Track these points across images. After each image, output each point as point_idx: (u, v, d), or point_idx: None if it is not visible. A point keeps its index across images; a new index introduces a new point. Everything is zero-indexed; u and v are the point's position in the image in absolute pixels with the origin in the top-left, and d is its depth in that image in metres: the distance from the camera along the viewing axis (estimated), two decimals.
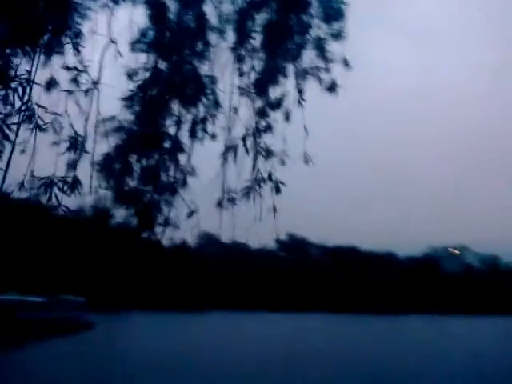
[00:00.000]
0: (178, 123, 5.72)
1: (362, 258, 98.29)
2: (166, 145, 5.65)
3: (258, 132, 5.98)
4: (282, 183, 6.19)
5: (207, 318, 62.37)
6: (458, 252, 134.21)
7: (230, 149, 5.68)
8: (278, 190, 6.14)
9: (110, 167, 5.56)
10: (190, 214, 5.60)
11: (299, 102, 6.42)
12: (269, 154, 6.12)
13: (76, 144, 5.23)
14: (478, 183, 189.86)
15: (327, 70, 6.74)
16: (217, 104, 5.94)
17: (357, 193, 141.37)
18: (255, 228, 5.94)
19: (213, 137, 5.96)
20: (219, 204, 5.88)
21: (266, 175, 6.07)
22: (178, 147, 5.70)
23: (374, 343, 32.90)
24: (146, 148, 5.64)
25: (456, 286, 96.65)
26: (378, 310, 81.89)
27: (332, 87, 6.74)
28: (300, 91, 6.63)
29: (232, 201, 5.88)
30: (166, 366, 19.34)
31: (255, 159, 6.04)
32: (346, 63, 6.72)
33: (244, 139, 5.76)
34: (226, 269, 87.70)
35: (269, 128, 6.32)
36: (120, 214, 5.94)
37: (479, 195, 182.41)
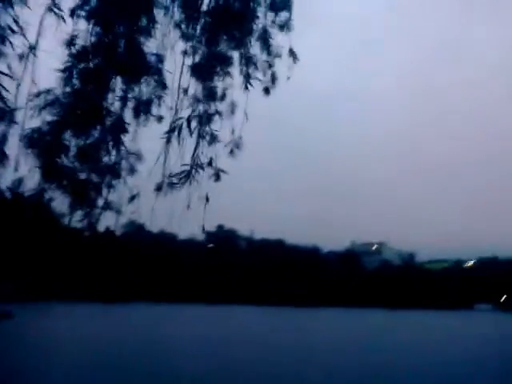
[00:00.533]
0: (122, 101, 5.40)
1: (287, 251, 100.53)
2: (107, 123, 5.29)
3: (202, 116, 5.81)
4: (223, 171, 6.05)
5: (131, 309, 60.95)
6: (377, 248, 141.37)
7: (173, 130, 5.44)
8: (217, 178, 5.99)
9: (42, 142, 5.12)
10: (131, 198, 5.31)
11: (245, 87, 6.31)
12: (212, 139, 5.97)
13: (4, 114, 4.75)
14: (403, 184, 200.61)
15: (271, 61, 6.69)
16: (163, 84, 5.68)
17: (286, 186, 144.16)
18: (186, 217, 5.76)
19: (159, 119, 5.69)
20: (158, 189, 5.63)
21: (207, 161, 5.90)
22: (119, 126, 5.37)
23: (294, 334, 33.84)
24: (83, 125, 5.26)
25: (374, 280, 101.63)
26: (301, 303, 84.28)
27: (274, 79, 6.70)
28: (246, 78, 6.52)
29: (172, 186, 5.65)
30: (82, 356, 18.74)
31: (197, 144, 5.85)
32: (292, 55, 6.70)
33: (189, 121, 5.54)
34: (150, 259, 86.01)
35: (212, 114, 6.16)
36: (48, 195, 5.50)
37: (402, 195, 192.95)
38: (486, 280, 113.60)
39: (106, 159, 5.36)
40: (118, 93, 5.34)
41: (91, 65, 5.29)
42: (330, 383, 16.06)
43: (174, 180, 5.58)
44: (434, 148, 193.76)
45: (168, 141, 5.36)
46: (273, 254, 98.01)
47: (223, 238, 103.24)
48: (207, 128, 5.72)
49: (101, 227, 5.94)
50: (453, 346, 29.47)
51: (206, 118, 5.82)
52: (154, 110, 5.56)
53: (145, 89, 5.51)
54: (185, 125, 5.47)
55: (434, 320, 63.51)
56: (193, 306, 72.41)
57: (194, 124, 5.52)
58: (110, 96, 5.33)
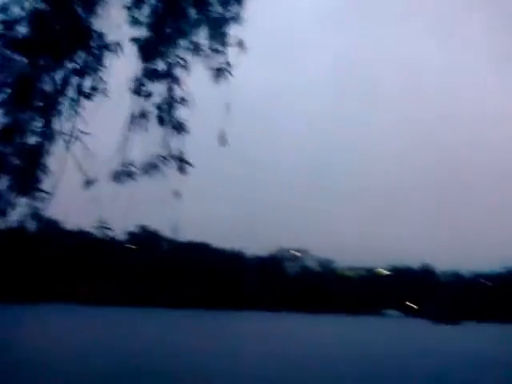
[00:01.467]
0: (63, 80, 4.89)
1: (211, 254, 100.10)
2: (39, 103, 4.76)
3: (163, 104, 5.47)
4: (189, 163, 5.69)
5: (41, 311, 57.51)
6: (299, 254, 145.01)
7: (135, 118, 5.05)
8: (182, 170, 5.63)
9: None
10: (87, 183, 4.82)
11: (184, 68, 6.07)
12: (180, 127, 5.62)
13: None
14: (323, 191, 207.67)
15: (221, 50, 6.53)
16: (99, 62, 5.24)
17: (213, 187, 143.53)
18: (116, 214, 5.38)
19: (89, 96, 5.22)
20: (115, 178, 5.17)
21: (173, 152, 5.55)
22: (51, 105, 4.85)
23: (209, 338, 33.57)
24: (11, 102, 4.69)
25: (295, 284, 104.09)
26: (224, 306, 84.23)
27: (222, 68, 6.54)
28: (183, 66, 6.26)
29: (130, 175, 5.23)
30: None
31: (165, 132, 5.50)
32: (240, 45, 6.56)
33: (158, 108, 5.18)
34: (65, 258, 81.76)
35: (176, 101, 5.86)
36: None
37: (322, 204, 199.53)
38: (396, 287, 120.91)
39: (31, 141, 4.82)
40: (55, 68, 4.84)
41: (21, 35, 4.75)
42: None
43: (134, 169, 5.19)
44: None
45: (128, 128, 4.97)
46: (196, 256, 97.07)
47: (146, 238, 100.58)
48: (172, 116, 5.41)
49: (13, 221, 5.35)
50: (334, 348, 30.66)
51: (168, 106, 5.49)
52: (94, 89, 5.11)
53: (83, 65, 5.06)
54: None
55: (343, 324, 65.72)
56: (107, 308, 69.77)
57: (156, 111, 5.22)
58: (44, 72, 4.82)
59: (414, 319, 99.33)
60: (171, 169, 5.37)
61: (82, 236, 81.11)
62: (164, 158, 5.26)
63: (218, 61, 6.41)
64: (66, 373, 15.81)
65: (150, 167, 5.11)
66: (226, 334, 38.13)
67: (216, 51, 6.44)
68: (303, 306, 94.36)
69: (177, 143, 5.45)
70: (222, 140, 5.84)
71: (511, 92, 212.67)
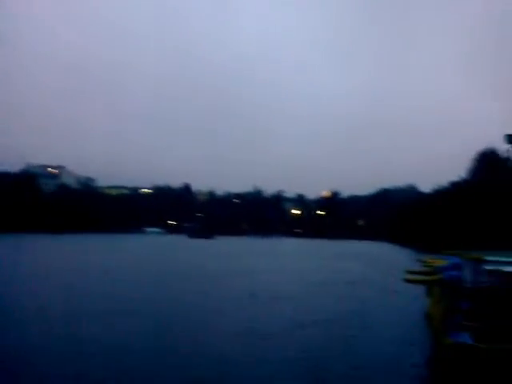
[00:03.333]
0: None
1: None
2: None
3: None
4: None
5: None
6: (55, 171, 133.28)
7: None
8: None
9: None
10: None
11: None
12: None
13: None
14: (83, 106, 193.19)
15: None
16: None
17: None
18: None
19: None
20: None
21: None
22: None
23: None
24: None
25: (52, 204, 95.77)
26: None
27: None
28: None
29: None
30: None
31: None
32: None
33: None
34: None
35: None
36: None
37: (82, 118, 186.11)
38: (159, 206, 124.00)
39: None
40: None
41: None
42: None
43: None
44: None
45: None
46: None
47: None
48: None
49: None
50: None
51: None
52: None
53: None
54: None
55: (106, 241, 64.16)
56: None
57: None
58: None
59: (174, 235, 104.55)
60: None
61: None
62: None
63: None
64: None
65: None
66: None
67: None
68: (61, 227, 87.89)
69: None
70: None
71: None
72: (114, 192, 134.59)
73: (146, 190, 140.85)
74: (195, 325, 13.09)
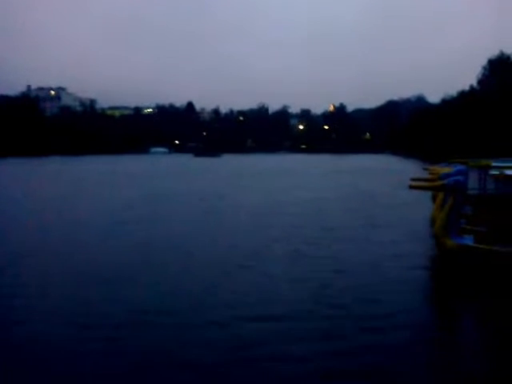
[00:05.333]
0: None
1: None
2: None
3: None
4: None
5: None
6: (56, 94, 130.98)
7: None
8: None
9: None
10: None
11: None
12: None
13: None
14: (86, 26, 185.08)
15: None
16: None
17: None
18: None
19: None
20: None
21: None
22: None
23: None
24: None
25: (55, 126, 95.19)
26: None
27: None
28: None
29: None
30: None
31: None
32: None
33: None
34: None
35: None
36: None
37: (83, 43, 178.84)
38: (163, 126, 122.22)
39: None
40: None
41: None
42: None
43: None
44: None
45: None
46: None
47: None
48: None
49: None
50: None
51: None
52: None
53: None
54: None
55: (113, 162, 63.78)
56: None
57: None
58: None
59: (179, 154, 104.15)
60: None
61: None
62: None
63: None
64: None
65: None
66: None
67: None
68: (66, 149, 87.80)
69: None
70: None
71: None
72: (116, 113, 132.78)
73: (149, 110, 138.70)
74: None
